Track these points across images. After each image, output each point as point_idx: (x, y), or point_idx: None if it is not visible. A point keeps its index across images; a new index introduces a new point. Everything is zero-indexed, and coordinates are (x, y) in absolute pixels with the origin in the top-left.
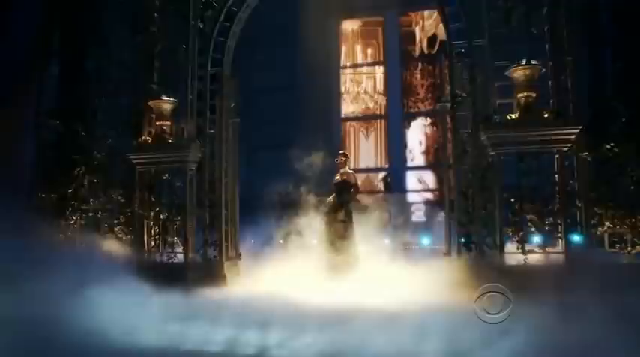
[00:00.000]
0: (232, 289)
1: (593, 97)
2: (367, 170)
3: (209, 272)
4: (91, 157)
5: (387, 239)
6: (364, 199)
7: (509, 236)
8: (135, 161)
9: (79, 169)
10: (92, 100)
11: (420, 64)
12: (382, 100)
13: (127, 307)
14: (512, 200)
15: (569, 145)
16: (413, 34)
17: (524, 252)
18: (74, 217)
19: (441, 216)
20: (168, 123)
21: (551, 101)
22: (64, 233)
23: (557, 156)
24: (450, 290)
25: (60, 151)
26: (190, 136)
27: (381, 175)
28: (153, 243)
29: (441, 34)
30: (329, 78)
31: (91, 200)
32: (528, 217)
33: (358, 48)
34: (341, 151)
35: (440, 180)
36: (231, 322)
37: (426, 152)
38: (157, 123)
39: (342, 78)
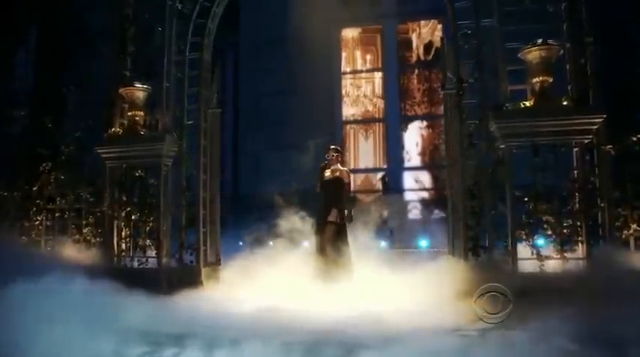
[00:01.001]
0: (206, 299)
1: (616, 82)
2: (366, 170)
3: (184, 279)
4: (59, 151)
5: (384, 241)
6: (363, 197)
7: (522, 240)
8: (104, 155)
9: (45, 164)
10: (61, 89)
11: (416, 70)
12: (381, 103)
13: (60, 319)
14: (526, 199)
15: (590, 136)
16: (410, 41)
17: (540, 258)
18: (39, 218)
19: (437, 213)
20: (142, 113)
21: (569, 87)
22: (27, 235)
23: (576, 149)
24: (456, 302)
25: (25, 145)
26: (165, 128)
27: (380, 174)
28: (124, 246)
29: (437, 41)
30: (331, 82)
31: (58, 199)
32: (544, 218)
33: (358, 54)
34: (332, 146)
35: (436, 179)
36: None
37: (422, 153)
38: (129, 113)
39: (343, 82)
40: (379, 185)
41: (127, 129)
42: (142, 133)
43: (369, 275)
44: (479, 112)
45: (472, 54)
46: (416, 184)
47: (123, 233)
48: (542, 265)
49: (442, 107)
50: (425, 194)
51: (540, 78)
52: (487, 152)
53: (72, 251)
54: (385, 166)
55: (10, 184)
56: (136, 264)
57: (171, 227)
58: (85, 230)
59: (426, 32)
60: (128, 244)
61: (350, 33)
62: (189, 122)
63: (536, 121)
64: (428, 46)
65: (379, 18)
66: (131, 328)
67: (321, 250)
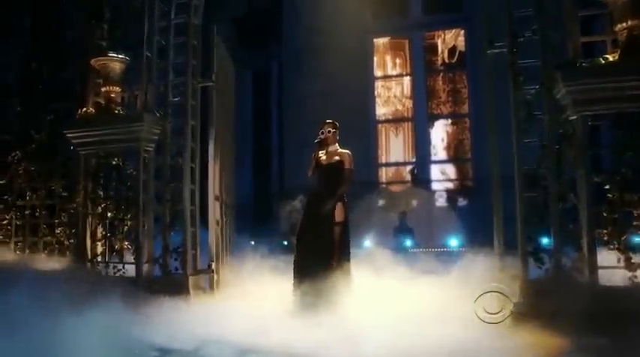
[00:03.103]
0: (186, 321)
1: None
2: (396, 163)
3: (167, 291)
4: (29, 138)
5: (408, 240)
6: (394, 187)
7: (603, 242)
8: (75, 141)
9: (13, 154)
10: (30, 65)
11: (441, 73)
12: (409, 103)
13: None
14: (608, 187)
15: None
16: (435, 46)
17: (629, 266)
18: (7, 216)
19: (461, 201)
20: (118, 89)
21: None
22: None
23: None
24: (518, 331)
25: None
26: (145, 106)
27: (409, 167)
28: (99, 249)
29: (460, 45)
30: (364, 85)
31: (28, 194)
32: (635, 212)
33: (388, 58)
34: (328, 121)
35: (460, 171)
36: None
37: (448, 148)
38: (103, 89)
39: (375, 85)
40: (408, 177)
41: (101, 108)
42: (118, 112)
43: (388, 288)
44: (539, 75)
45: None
46: (442, 175)
47: (98, 234)
48: (635, 275)
49: (466, 106)
50: (450, 185)
51: (629, 23)
52: (552, 126)
53: (42, 255)
54: (414, 160)
55: None
56: (110, 271)
57: (157, 227)
58: (57, 230)
59: (450, 38)
60: (104, 247)
61: (381, 41)
62: (175, 99)
63: (622, 82)
64: (452, 51)
65: (407, 28)
66: None
67: (311, 261)
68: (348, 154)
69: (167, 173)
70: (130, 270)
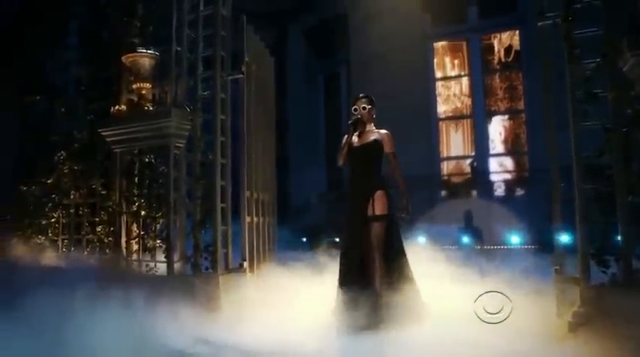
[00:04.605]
0: (208, 323)
1: None
2: (457, 157)
3: (198, 291)
4: (72, 138)
5: (468, 237)
6: (455, 179)
7: None
8: (109, 139)
9: (59, 154)
10: (71, 67)
11: (498, 71)
12: (468, 101)
13: None
14: None
15: None
16: (492, 46)
17: None
18: (55, 215)
19: (519, 191)
20: (148, 85)
21: None
22: (43, 234)
23: None
24: (576, 349)
25: (42, 133)
26: (174, 101)
27: (468, 161)
28: (134, 247)
29: (516, 44)
30: (426, 86)
31: (72, 193)
32: None
33: (447, 60)
34: (362, 94)
35: (517, 163)
36: None
37: (505, 141)
38: (134, 86)
39: (436, 84)
40: (468, 169)
41: (133, 105)
42: (147, 108)
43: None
44: (599, 48)
45: None
46: (500, 167)
47: (132, 232)
48: None
49: (522, 102)
50: (508, 176)
51: None
52: (617, 105)
53: (85, 253)
54: (473, 154)
55: (29, 176)
56: (144, 269)
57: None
58: (98, 228)
59: (506, 37)
60: (139, 245)
61: (440, 44)
62: (205, 93)
63: None
64: (508, 50)
65: (465, 32)
66: None
67: (353, 269)
68: (387, 133)
69: (197, 170)
70: (163, 268)
